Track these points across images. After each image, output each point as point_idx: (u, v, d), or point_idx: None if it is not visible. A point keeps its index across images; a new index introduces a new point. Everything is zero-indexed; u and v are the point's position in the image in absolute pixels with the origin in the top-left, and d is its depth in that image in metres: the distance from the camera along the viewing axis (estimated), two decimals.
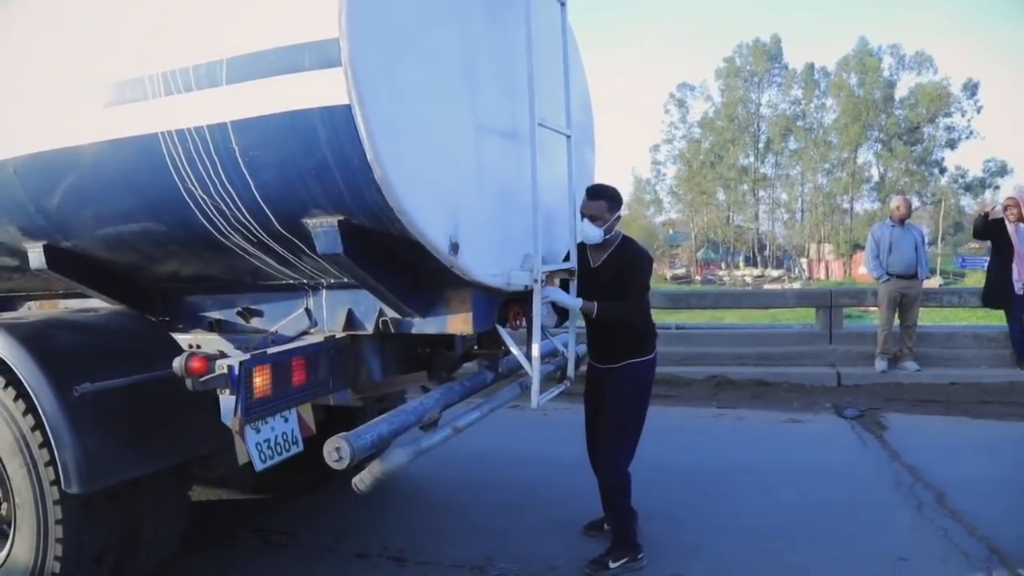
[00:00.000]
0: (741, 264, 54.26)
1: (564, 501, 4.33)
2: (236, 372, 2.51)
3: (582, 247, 3.58)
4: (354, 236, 2.54)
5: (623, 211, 3.67)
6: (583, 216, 3.47)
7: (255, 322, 3.38)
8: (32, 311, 4.09)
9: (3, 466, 2.97)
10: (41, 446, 2.81)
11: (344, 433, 2.30)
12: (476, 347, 3.52)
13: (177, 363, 2.42)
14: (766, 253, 55.54)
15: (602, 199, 3.47)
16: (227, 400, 2.53)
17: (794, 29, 79.63)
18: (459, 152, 2.76)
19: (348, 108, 2.23)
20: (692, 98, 55.19)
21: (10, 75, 3.02)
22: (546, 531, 3.99)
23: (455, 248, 2.68)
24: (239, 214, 2.65)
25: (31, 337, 2.94)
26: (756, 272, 47.77)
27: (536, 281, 3.10)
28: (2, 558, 3.03)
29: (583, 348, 4.17)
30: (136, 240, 3.05)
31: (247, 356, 2.58)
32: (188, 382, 2.44)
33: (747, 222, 55.96)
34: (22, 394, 2.87)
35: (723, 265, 54.79)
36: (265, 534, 4.09)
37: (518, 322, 3.34)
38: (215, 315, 3.49)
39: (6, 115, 3.02)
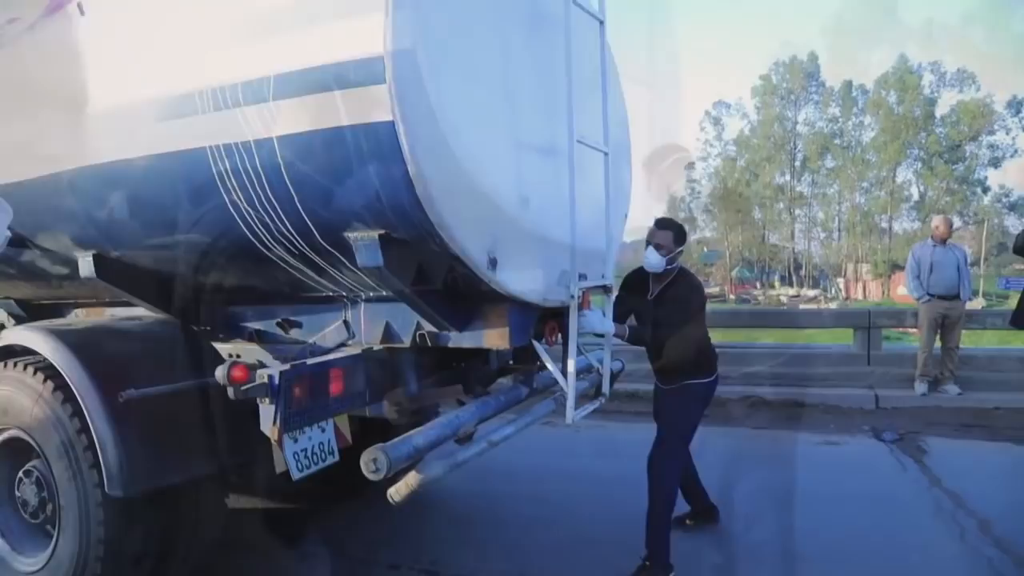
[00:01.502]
0: (776, 283, 53.58)
1: (597, 518, 4.30)
2: (276, 382, 2.55)
3: (640, 273, 3.76)
4: (394, 250, 2.58)
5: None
6: (648, 244, 3.62)
7: (294, 333, 3.44)
8: (79, 318, 4.21)
9: (50, 468, 3.05)
10: (86, 449, 2.89)
11: (381, 444, 2.32)
12: (511, 362, 3.53)
13: (220, 372, 2.47)
14: (802, 273, 54.76)
15: (670, 230, 3.64)
16: (267, 409, 2.58)
17: (831, 47, 78.76)
18: (499, 168, 2.79)
19: (392, 125, 2.27)
20: (728, 116, 54.92)
21: (68, 90, 3.13)
22: (579, 547, 3.96)
23: (493, 263, 2.70)
24: (283, 227, 2.70)
25: (79, 343, 3.03)
26: (792, 292, 47.10)
27: (573, 297, 3.11)
28: (47, 557, 3.11)
29: (618, 364, 4.17)
30: (181, 250, 3.12)
31: (287, 366, 2.63)
32: (230, 390, 2.49)
33: (783, 241, 55.31)
34: (69, 398, 2.96)
35: (758, 284, 54.11)
36: (299, 544, 4.13)
37: (554, 338, 3.35)
38: (255, 325, 3.55)
39: (63, 129, 3.13)
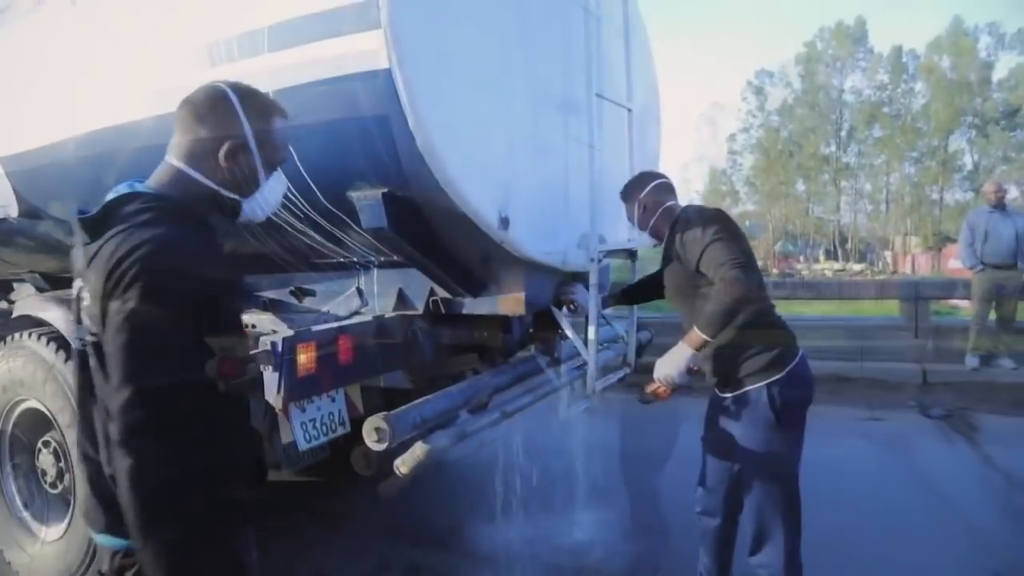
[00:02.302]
0: (821, 258, 52.28)
1: (632, 494, 4.17)
2: (279, 349, 2.45)
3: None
4: (399, 210, 2.45)
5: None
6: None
7: (308, 302, 3.34)
8: None
9: (64, 438, 3.02)
10: None
11: (385, 412, 2.20)
12: (532, 330, 3.38)
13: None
14: (848, 246, 53.27)
15: (624, 198, 2.86)
16: (271, 377, 2.48)
17: (879, 11, 75.98)
18: (511, 122, 2.63)
19: (389, 72, 2.12)
20: (771, 85, 53.39)
21: (68, 57, 3.06)
22: (604, 529, 3.85)
23: (505, 223, 2.55)
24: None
25: None
26: (837, 266, 45.86)
27: (593, 260, 2.95)
28: (65, 526, 3.09)
29: (646, 335, 3.99)
30: None
31: (290, 333, 2.53)
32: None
33: (827, 214, 53.81)
34: None
35: (802, 258, 52.86)
36: (320, 516, 4.09)
37: (574, 307, 3.19)
38: (269, 295, 3.47)
39: (64, 95, 3.06)
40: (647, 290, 3.16)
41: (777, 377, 2.41)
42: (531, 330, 3.38)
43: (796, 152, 51.17)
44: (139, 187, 1.43)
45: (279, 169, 1.56)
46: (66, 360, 2.95)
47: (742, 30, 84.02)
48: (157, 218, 1.35)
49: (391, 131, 2.22)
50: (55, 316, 3.03)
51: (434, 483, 4.54)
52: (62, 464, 3.12)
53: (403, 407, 2.32)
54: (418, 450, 2.24)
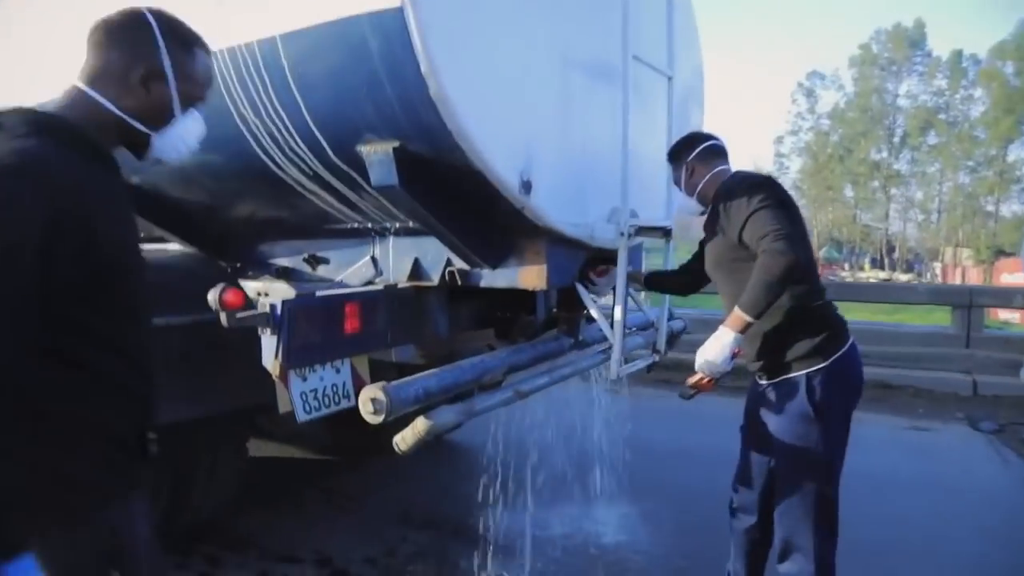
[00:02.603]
0: (867, 266, 50.92)
1: (655, 490, 3.96)
2: (279, 311, 2.30)
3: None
4: (412, 167, 2.26)
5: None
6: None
7: (321, 270, 3.20)
8: None
9: None
10: None
11: (384, 383, 2.03)
12: (555, 309, 3.18)
13: (212, 295, 2.23)
14: (895, 255, 51.80)
15: (671, 159, 2.63)
16: (268, 341, 2.33)
17: (940, 13, 73.65)
18: (536, 78, 2.42)
19: (400, 12, 1.94)
20: (822, 88, 52.08)
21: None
22: (625, 524, 3.64)
23: (527, 187, 2.35)
24: (293, 143, 2.44)
25: None
26: (883, 275, 44.53)
27: (623, 234, 2.73)
28: None
29: (679, 324, 3.76)
30: (197, 175, 2.91)
31: (292, 295, 2.37)
32: (223, 317, 2.24)
33: (876, 221, 52.35)
34: None
35: (847, 266, 51.55)
36: (331, 495, 3.96)
37: (598, 284, 2.97)
38: (283, 262, 3.33)
39: (71, 42, 2.94)
40: (678, 279, 2.95)
41: (820, 366, 2.17)
42: (555, 309, 3.18)
43: (845, 157, 49.84)
44: (31, 106, 1.24)
45: (197, 109, 1.38)
46: None
47: (794, 32, 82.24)
48: (33, 132, 1.15)
49: (402, 77, 2.03)
50: None
51: (447, 467, 4.38)
52: None
53: (406, 378, 2.15)
54: (419, 425, 2.05)
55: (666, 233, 3.11)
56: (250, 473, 3.50)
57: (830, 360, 2.18)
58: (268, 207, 3.05)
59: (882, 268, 48.67)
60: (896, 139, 49.49)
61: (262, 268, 3.40)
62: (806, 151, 52.50)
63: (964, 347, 7.44)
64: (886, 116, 49.57)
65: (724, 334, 2.13)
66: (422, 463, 4.39)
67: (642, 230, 2.99)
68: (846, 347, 2.23)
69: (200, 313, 2.83)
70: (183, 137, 1.37)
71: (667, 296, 3.31)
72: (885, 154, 49.96)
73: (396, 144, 2.22)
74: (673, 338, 3.61)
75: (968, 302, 7.54)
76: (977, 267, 44.28)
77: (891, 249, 52.12)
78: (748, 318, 2.08)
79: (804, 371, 2.18)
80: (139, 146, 1.34)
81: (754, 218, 2.11)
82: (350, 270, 3.06)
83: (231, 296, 2.21)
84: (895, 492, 4.14)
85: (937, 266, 47.58)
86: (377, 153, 2.26)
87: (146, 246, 3.71)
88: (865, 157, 49.18)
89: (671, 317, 3.47)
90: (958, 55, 46.25)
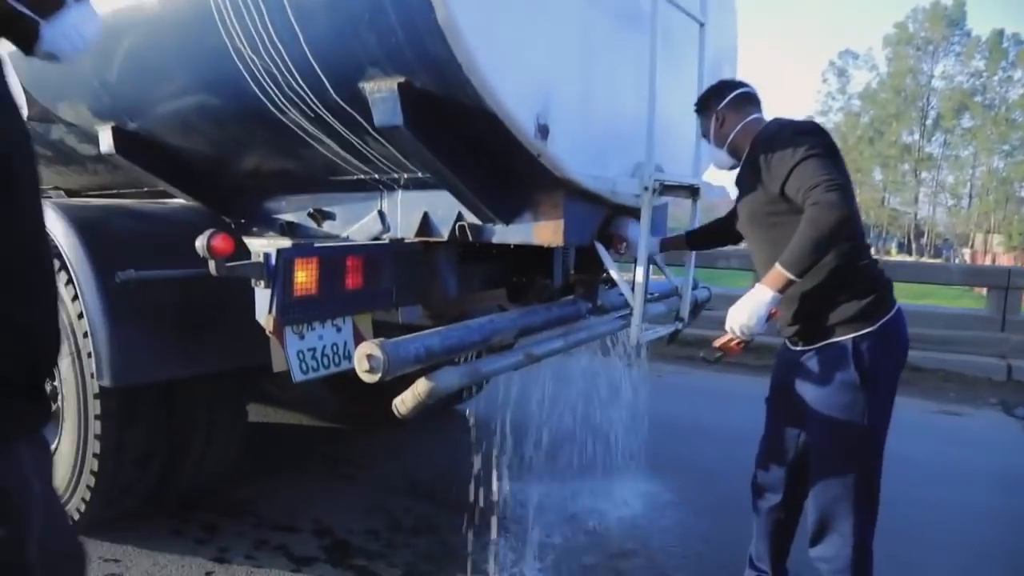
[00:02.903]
0: (893, 251, 49.95)
1: (670, 468, 3.78)
2: (273, 261, 2.13)
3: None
4: (418, 106, 2.08)
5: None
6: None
7: (327, 225, 3.02)
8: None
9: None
10: (86, 335, 2.58)
11: (382, 339, 1.86)
12: (573, 271, 2.99)
13: (200, 241, 2.06)
14: (923, 241, 50.73)
15: (698, 109, 2.39)
16: (262, 294, 2.17)
17: None
18: (555, 14, 2.21)
19: None
20: (854, 67, 50.78)
21: None
22: (636, 501, 3.46)
23: (544, 131, 2.15)
24: (292, 80, 2.25)
25: (85, 219, 2.71)
26: (909, 260, 43.73)
27: (647, 189, 2.53)
28: (53, 451, 2.86)
29: (704, 293, 3.56)
30: (196, 120, 2.74)
31: (288, 244, 2.20)
32: (212, 265, 2.08)
33: (904, 205, 51.23)
34: (73, 279, 2.65)
35: (873, 250, 50.55)
36: (334, 464, 3.82)
37: (623, 247, 2.77)
38: (287, 217, 3.16)
39: None
40: (711, 235, 2.74)
41: (868, 330, 1.97)
42: (571, 272, 2.98)
43: (876, 139, 48.69)
44: None
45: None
46: (59, 269, 2.69)
47: (827, 9, 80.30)
48: None
49: (406, 2, 1.84)
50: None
51: (457, 440, 4.22)
52: (57, 383, 2.89)
53: (407, 335, 1.97)
54: (420, 387, 1.88)
55: (693, 192, 2.89)
56: (250, 439, 3.40)
57: (878, 324, 1.98)
58: (271, 157, 2.88)
59: (909, 253, 47.74)
60: (929, 121, 48.20)
61: (267, 224, 3.24)
62: (835, 132, 51.21)
63: (999, 331, 7.13)
64: (919, 97, 48.24)
65: (761, 292, 1.92)
66: (431, 435, 4.25)
67: (667, 188, 2.78)
68: (894, 311, 2.03)
69: (199, 266, 2.68)
70: (76, 27, 1.22)
71: (692, 263, 3.11)
72: (917, 136, 48.73)
73: (401, 80, 2.04)
74: (697, 308, 3.41)
75: (1006, 283, 7.22)
76: (1008, 253, 43.23)
77: (920, 234, 51.07)
78: (790, 276, 1.87)
79: (851, 335, 1.98)
80: (26, 36, 1.19)
81: (801, 167, 1.89)
82: (356, 225, 2.88)
83: (220, 242, 2.04)
84: (925, 477, 3.92)
85: (966, 252, 46.59)
86: (381, 91, 2.07)
87: (145, 201, 3.61)
88: (896, 139, 48.00)
89: (696, 286, 3.27)
90: (999, 35, 44.77)
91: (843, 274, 1.98)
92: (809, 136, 1.96)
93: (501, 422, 3.35)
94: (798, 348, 2.13)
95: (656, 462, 3.82)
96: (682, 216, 3.13)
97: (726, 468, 3.89)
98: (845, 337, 1.98)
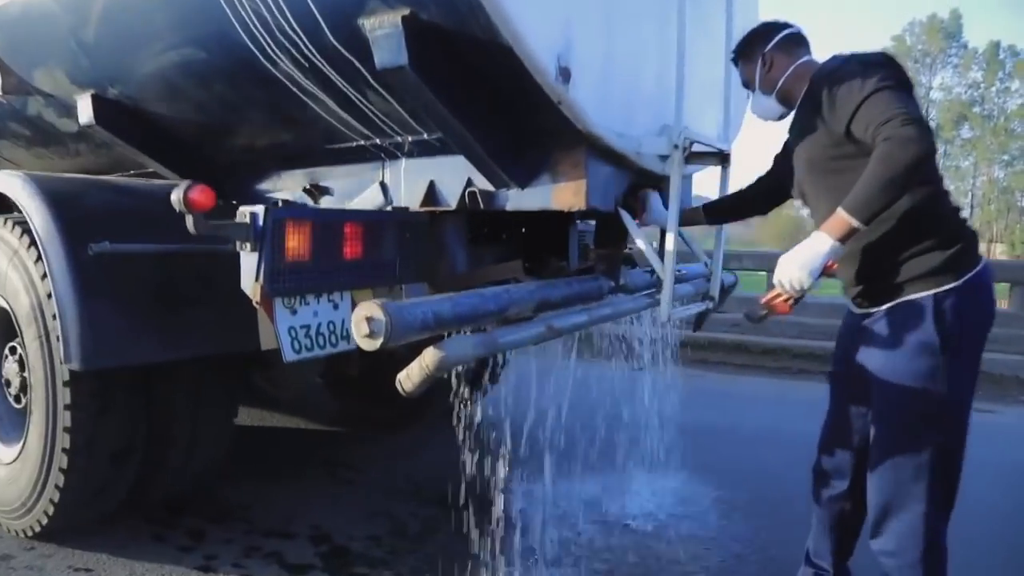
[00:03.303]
0: None
1: (696, 469, 3.50)
2: (260, 221, 1.88)
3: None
4: (425, 43, 1.84)
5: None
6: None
7: (324, 202, 2.78)
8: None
9: (23, 338, 2.53)
10: (55, 317, 2.31)
11: (384, 300, 1.60)
12: (593, 245, 2.74)
13: (175, 195, 1.80)
14: None
15: (739, 55, 2.13)
16: (248, 258, 1.91)
17: (977, 4, 71.67)
18: None
19: None
20: None
21: None
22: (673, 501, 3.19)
23: (565, 75, 1.91)
24: (283, 22, 2.01)
25: (58, 190, 2.45)
26: None
27: (677, 147, 2.29)
28: (21, 446, 2.59)
29: (731, 278, 3.30)
30: (181, 81, 2.50)
31: (279, 204, 1.95)
32: (189, 221, 1.82)
33: None
34: (43, 256, 2.40)
35: None
36: (334, 468, 3.54)
37: (645, 217, 2.52)
38: (282, 195, 2.91)
39: None
40: (734, 207, 2.49)
41: (951, 285, 1.70)
42: (590, 247, 2.73)
43: None
44: None
45: None
46: (28, 246, 2.44)
47: (824, 24, 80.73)
48: None
49: None
50: (18, 191, 2.50)
51: (466, 439, 3.95)
52: (26, 373, 2.62)
53: (414, 299, 1.71)
54: (427, 357, 1.61)
55: (723, 158, 2.64)
56: (244, 442, 3.12)
57: (963, 279, 1.71)
58: (262, 122, 2.64)
59: None
60: None
61: (259, 201, 2.98)
62: None
63: None
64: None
65: (819, 241, 1.66)
66: (438, 436, 3.97)
67: (694, 156, 2.53)
68: (981, 265, 1.77)
69: (185, 242, 2.42)
70: None
71: (723, 240, 2.86)
72: None
73: (405, 12, 1.80)
74: (724, 292, 3.15)
75: None
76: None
77: None
78: (855, 223, 1.61)
79: (931, 291, 1.71)
80: None
81: (872, 101, 1.64)
82: (356, 199, 2.64)
83: (198, 194, 1.79)
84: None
85: None
86: (383, 26, 1.83)
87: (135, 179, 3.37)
88: None
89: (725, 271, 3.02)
90: (995, 47, 44.89)
91: (920, 221, 1.72)
92: (880, 68, 1.71)
93: (511, 424, 3.09)
94: (864, 310, 1.86)
95: (680, 463, 3.55)
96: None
97: (752, 469, 3.64)
98: (924, 294, 1.72)
